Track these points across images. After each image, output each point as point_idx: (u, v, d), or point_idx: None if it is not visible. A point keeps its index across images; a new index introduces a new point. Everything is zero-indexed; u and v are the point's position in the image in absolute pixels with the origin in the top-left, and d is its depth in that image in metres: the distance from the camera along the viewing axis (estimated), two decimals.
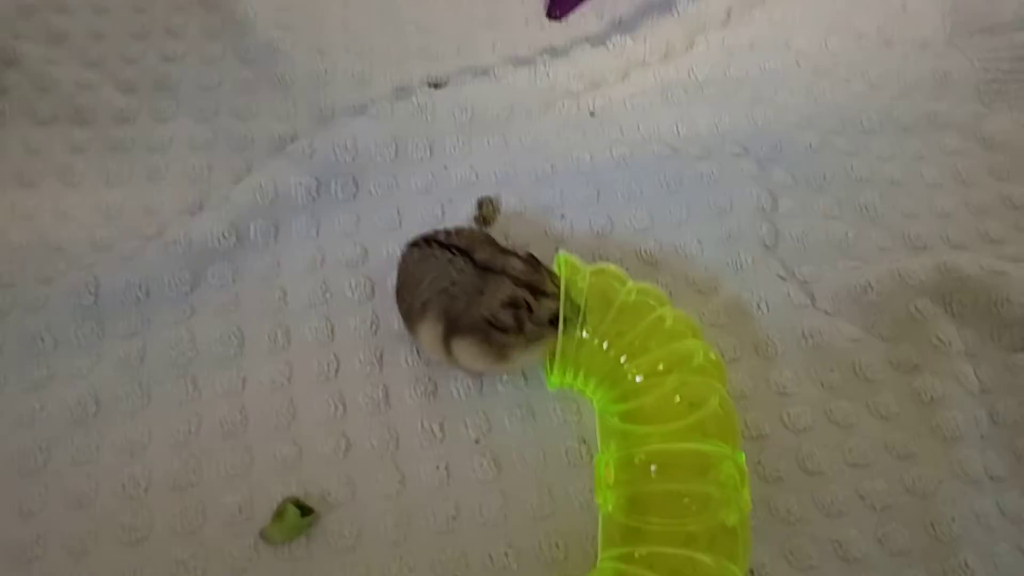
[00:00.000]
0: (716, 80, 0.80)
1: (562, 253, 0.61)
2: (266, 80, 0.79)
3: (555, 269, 0.60)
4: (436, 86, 0.78)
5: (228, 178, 0.74)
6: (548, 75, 0.77)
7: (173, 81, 0.78)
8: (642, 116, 0.78)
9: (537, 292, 0.58)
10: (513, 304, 0.57)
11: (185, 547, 0.58)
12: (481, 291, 0.58)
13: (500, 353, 0.59)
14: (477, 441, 0.62)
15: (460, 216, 0.72)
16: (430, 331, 0.60)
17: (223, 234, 0.68)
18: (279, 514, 0.58)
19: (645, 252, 0.71)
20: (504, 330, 0.58)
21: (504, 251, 0.61)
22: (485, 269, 0.59)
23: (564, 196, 0.74)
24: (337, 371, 0.65)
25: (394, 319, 0.66)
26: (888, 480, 0.62)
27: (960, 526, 0.59)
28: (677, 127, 0.77)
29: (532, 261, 0.60)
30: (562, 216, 0.73)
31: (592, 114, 0.77)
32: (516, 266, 0.59)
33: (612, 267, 0.62)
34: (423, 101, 0.75)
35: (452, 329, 0.59)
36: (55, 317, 0.65)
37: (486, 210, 0.72)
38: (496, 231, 0.72)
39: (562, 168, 0.74)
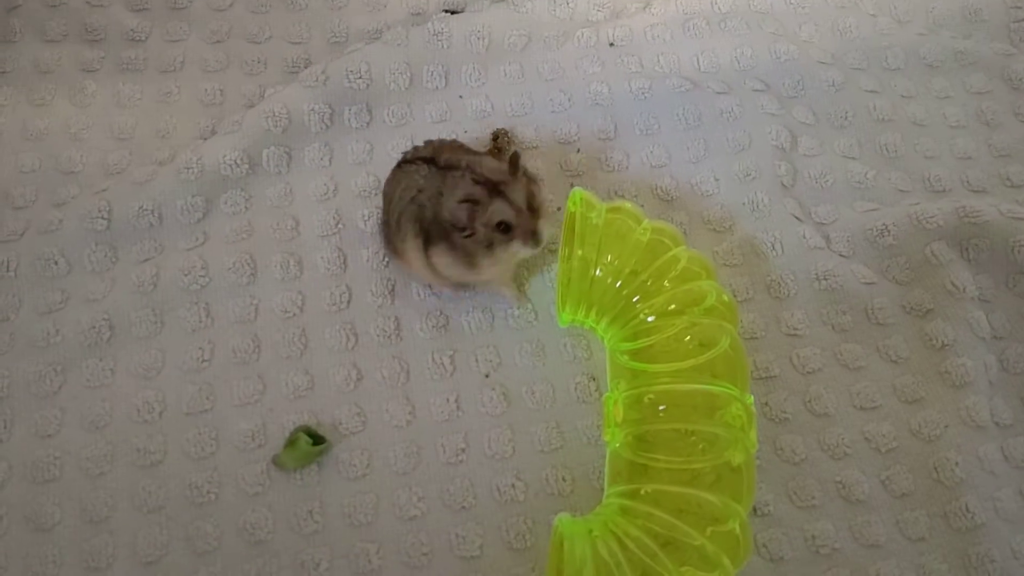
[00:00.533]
0: (739, 12, 0.78)
1: (577, 189, 0.61)
2: (279, 1, 0.77)
3: (569, 205, 0.60)
4: (452, 12, 0.76)
5: (241, 103, 0.73)
6: (568, 3, 0.76)
7: (185, 1, 0.77)
8: (662, 48, 0.76)
9: (495, 192, 0.56)
10: (469, 200, 0.56)
11: (199, 471, 0.59)
12: (442, 192, 0.58)
13: (468, 260, 0.58)
14: (487, 375, 0.63)
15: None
16: (412, 248, 0.60)
17: (236, 161, 0.67)
18: (291, 442, 0.59)
19: (661, 189, 0.70)
20: (461, 229, 0.57)
21: (474, 153, 0.61)
22: (447, 169, 0.59)
23: (580, 129, 0.72)
24: (349, 302, 0.65)
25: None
26: (894, 423, 0.62)
27: (963, 470, 0.60)
28: (698, 60, 0.76)
29: (511, 162, 0.58)
30: (578, 150, 0.72)
31: (611, 44, 0.76)
32: (483, 165, 0.58)
33: (628, 205, 0.61)
34: (439, 27, 0.73)
35: (427, 239, 0.59)
36: (69, 241, 0.65)
37: (501, 142, 0.71)
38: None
39: (579, 100, 0.73)
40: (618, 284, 0.58)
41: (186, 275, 0.64)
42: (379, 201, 0.68)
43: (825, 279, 0.66)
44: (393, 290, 0.65)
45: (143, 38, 0.75)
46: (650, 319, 0.57)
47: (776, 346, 0.64)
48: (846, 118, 0.74)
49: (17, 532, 0.56)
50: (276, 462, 0.59)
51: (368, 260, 0.66)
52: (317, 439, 0.59)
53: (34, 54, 0.74)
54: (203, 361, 0.62)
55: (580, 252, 0.58)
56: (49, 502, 0.57)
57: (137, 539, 0.57)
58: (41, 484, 0.58)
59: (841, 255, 0.68)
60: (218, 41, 0.76)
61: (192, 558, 0.56)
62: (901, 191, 0.71)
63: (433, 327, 0.64)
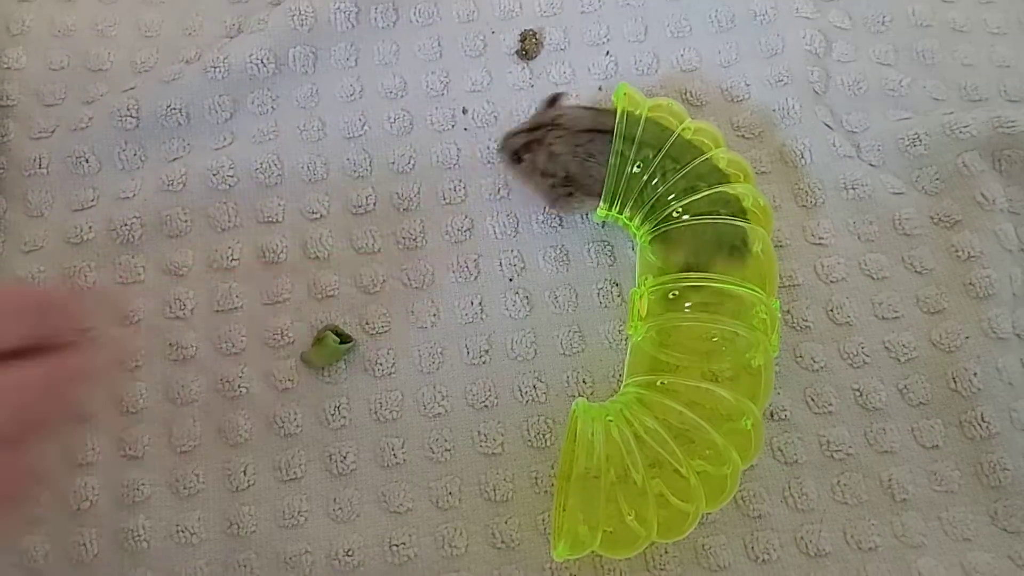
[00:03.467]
0: None
1: (623, 84, 0.60)
2: None
3: (614, 100, 0.59)
4: None
5: (266, 0, 0.72)
6: None
7: None
8: None
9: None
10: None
11: (230, 366, 0.60)
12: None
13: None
14: (511, 280, 0.64)
15: (501, 49, 0.70)
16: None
17: (262, 60, 0.67)
18: (319, 340, 0.60)
19: (691, 93, 0.69)
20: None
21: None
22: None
23: (611, 31, 0.71)
24: (375, 203, 0.65)
25: (432, 154, 0.66)
26: (915, 334, 0.62)
27: (981, 381, 0.60)
28: None
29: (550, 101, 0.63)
30: (607, 52, 0.71)
31: None
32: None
33: (671, 102, 0.61)
34: None
35: None
36: (99, 139, 0.65)
37: (528, 43, 0.70)
38: (537, 65, 0.70)
39: (609, 1, 0.72)
40: (654, 182, 0.58)
41: (214, 175, 0.65)
42: (405, 103, 0.68)
43: (853, 188, 0.66)
44: (419, 193, 0.66)
45: None
46: (684, 218, 0.57)
47: (801, 255, 0.64)
48: (883, 23, 0.72)
49: (57, 422, 0.59)
50: (304, 359, 0.60)
51: (393, 163, 0.66)
52: (344, 338, 0.60)
53: None
54: (232, 260, 0.63)
55: (619, 148, 0.58)
56: (86, 394, 0.59)
57: (171, 430, 0.59)
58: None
59: (871, 164, 0.67)
60: None
61: (224, 448, 0.59)
62: (936, 99, 0.70)
63: (458, 231, 0.65)
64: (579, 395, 0.60)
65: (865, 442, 0.60)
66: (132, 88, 0.67)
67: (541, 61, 0.70)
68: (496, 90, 0.69)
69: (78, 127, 0.65)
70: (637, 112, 0.59)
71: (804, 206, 0.66)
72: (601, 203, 0.60)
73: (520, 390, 0.60)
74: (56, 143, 0.65)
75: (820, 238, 0.65)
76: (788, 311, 0.63)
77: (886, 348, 0.62)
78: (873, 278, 0.64)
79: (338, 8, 0.69)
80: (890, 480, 0.59)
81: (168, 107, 0.66)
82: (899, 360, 0.62)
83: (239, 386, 0.60)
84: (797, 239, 0.65)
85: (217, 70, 0.66)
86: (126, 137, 0.66)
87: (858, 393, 0.61)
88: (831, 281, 0.64)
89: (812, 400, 0.61)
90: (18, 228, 0.64)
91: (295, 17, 0.68)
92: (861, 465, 0.59)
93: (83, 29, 0.70)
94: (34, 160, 0.65)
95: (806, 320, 0.63)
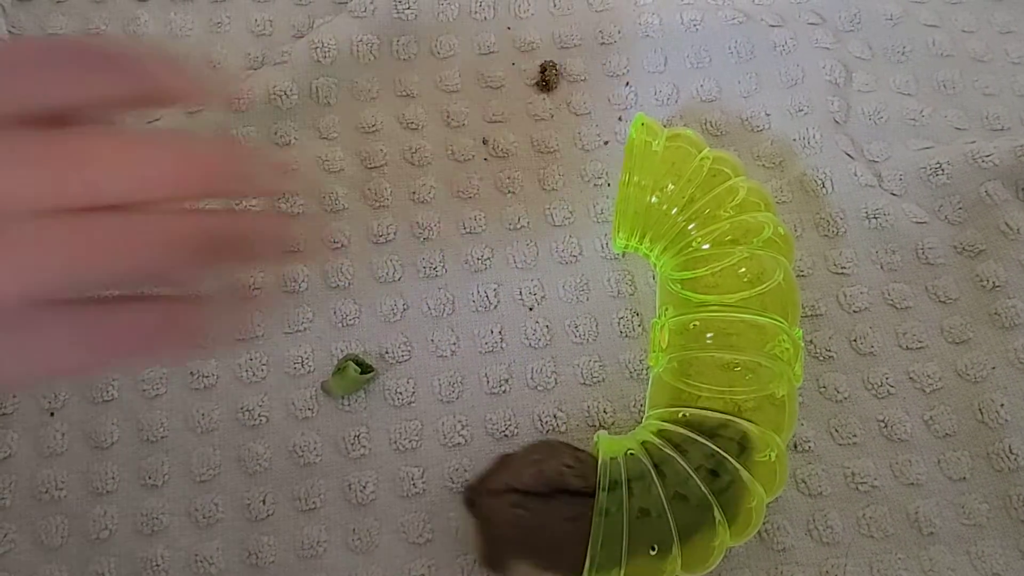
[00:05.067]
0: None
1: (640, 114, 0.60)
2: None
3: (631, 131, 0.59)
4: None
5: (290, 33, 0.73)
6: None
7: None
8: None
9: None
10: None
11: (250, 395, 0.60)
12: None
13: None
14: (531, 308, 0.63)
15: (522, 80, 0.71)
16: None
17: (285, 92, 0.67)
18: (339, 369, 0.60)
19: (711, 123, 0.69)
20: None
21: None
22: None
23: (630, 62, 0.72)
24: (395, 233, 0.65)
25: (452, 185, 0.67)
26: (940, 364, 0.62)
27: (1009, 412, 0.59)
28: None
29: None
30: (627, 83, 0.71)
31: None
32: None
33: (689, 132, 0.61)
34: None
35: None
36: None
37: (549, 75, 0.70)
38: (558, 97, 0.70)
39: (629, 32, 0.72)
40: (674, 211, 0.57)
41: (236, 205, 0.65)
42: (427, 134, 0.68)
43: (875, 217, 0.65)
44: (439, 223, 0.66)
45: None
46: (705, 247, 0.57)
47: (823, 284, 0.64)
48: (903, 53, 0.72)
49: (77, 449, 0.59)
50: (325, 388, 0.60)
51: (413, 193, 0.67)
52: (365, 367, 0.60)
53: None
54: (254, 289, 0.63)
55: (637, 178, 0.57)
56: (108, 421, 0.59)
57: (191, 458, 0.59)
58: (100, 404, 0.60)
59: (893, 193, 0.66)
60: None
61: (243, 478, 0.58)
62: (957, 129, 0.69)
63: (478, 260, 0.65)
64: (600, 425, 0.60)
65: (891, 474, 0.59)
66: (157, 120, 0.67)
67: (561, 92, 0.71)
68: (516, 121, 0.70)
69: None
70: (655, 142, 0.58)
71: (826, 235, 0.65)
72: (620, 234, 0.60)
73: (540, 420, 0.60)
74: None
75: (842, 267, 0.64)
76: (811, 341, 0.62)
77: (911, 379, 0.61)
78: (897, 308, 0.63)
79: (360, 40, 0.69)
80: (917, 513, 0.58)
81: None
82: (924, 391, 0.61)
83: (259, 415, 0.60)
84: (819, 268, 0.64)
85: (240, 102, 0.67)
86: None
87: (883, 424, 0.60)
88: (854, 311, 0.63)
89: (836, 431, 0.60)
90: None
91: (318, 49, 0.68)
92: (887, 498, 0.58)
93: None
94: None
95: (829, 350, 0.62)
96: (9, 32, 0.70)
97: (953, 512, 0.58)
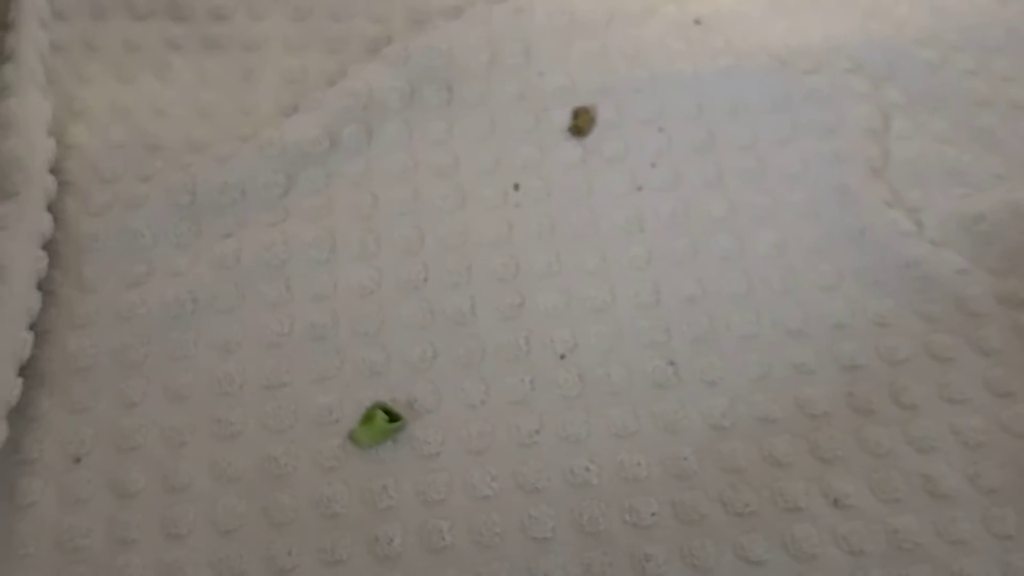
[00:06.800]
0: None
1: None
2: None
3: None
4: None
5: (322, 80, 0.73)
6: None
7: None
8: (749, 25, 0.74)
9: None
10: None
11: (276, 444, 0.60)
12: None
13: None
14: (563, 356, 0.62)
15: (554, 126, 0.70)
16: None
17: (317, 138, 0.68)
18: (367, 418, 0.59)
19: (746, 171, 0.69)
20: None
21: None
22: None
23: (664, 108, 0.71)
24: (426, 280, 0.65)
25: (484, 230, 0.66)
26: (984, 417, 0.60)
27: None
28: (786, 38, 0.73)
29: None
30: (660, 129, 0.70)
31: (697, 22, 0.74)
32: None
33: None
34: (521, 4, 0.72)
35: None
36: (155, 215, 0.66)
37: (581, 120, 0.70)
38: (590, 142, 0.70)
39: (663, 78, 0.72)
40: None
41: (267, 251, 0.65)
42: (459, 179, 0.68)
43: (916, 266, 0.64)
44: (470, 268, 0.65)
45: (228, 15, 0.76)
46: None
47: (863, 335, 0.63)
48: (942, 100, 0.71)
49: (102, 497, 0.58)
50: (352, 438, 0.59)
51: (445, 238, 0.66)
52: (393, 416, 0.59)
53: (123, 31, 0.75)
54: (283, 335, 0.63)
55: None
56: (133, 469, 0.59)
57: (216, 508, 0.58)
58: (125, 452, 0.59)
59: (933, 242, 0.65)
60: (301, 19, 0.76)
61: (268, 529, 0.57)
62: (998, 177, 0.68)
63: (508, 306, 0.64)
64: (633, 478, 0.58)
65: (934, 531, 0.57)
66: (189, 165, 0.68)
67: (594, 138, 0.70)
68: (548, 166, 0.69)
69: (134, 203, 0.66)
70: None
71: (864, 285, 0.64)
72: None
73: (572, 472, 0.59)
74: (112, 219, 0.66)
75: (882, 317, 0.63)
76: (850, 393, 0.61)
77: (954, 432, 0.60)
78: (938, 359, 0.62)
79: (392, 87, 0.70)
80: (961, 572, 0.55)
81: (224, 183, 0.66)
82: (968, 445, 0.59)
83: (285, 464, 0.59)
84: (859, 318, 0.63)
85: (273, 147, 0.67)
86: (181, 213, 0.66)
87: (926, 479, 0.58)
88: (895, 362, 0.62)
89: (878, 487, 0.58)
90: (70, 303, 0.64)
91: (351, 96, 0.69)
92: (931, 556, 0.56)
93: (142, 108, 0.72)
94: (90, 236, 0.65)
95: (870, 403, 0.60)
96: None
97: (999, 571, 0.56)
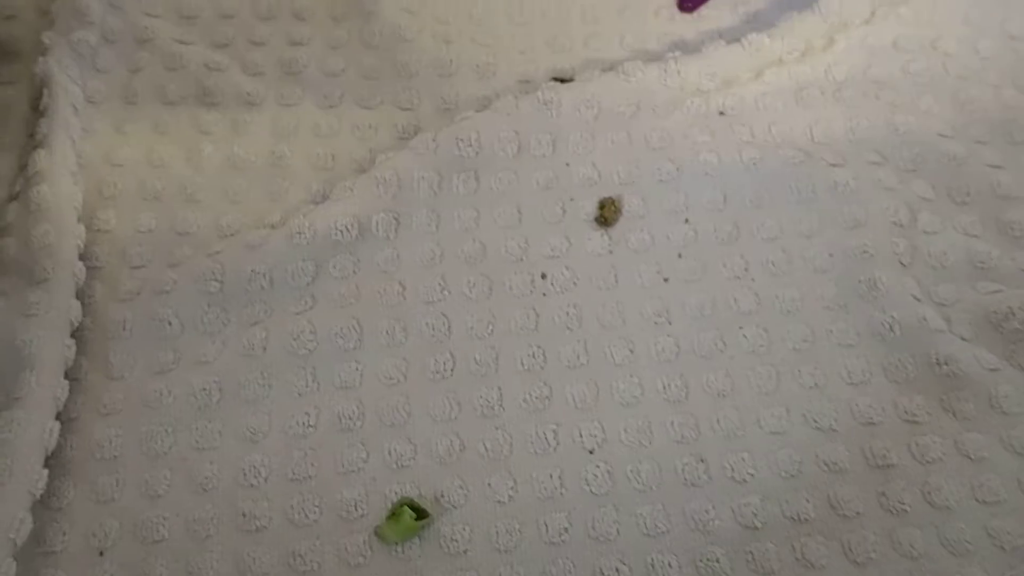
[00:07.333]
0: (855, 81, 0.76)
1: None
2: (390, 68, 0.78)
3: None
4: (562, 80, 0.76)
5: (351, 167, 0.74)
6: (678, 72, 0.74)
7: (299, 66, 0.78)
8: (774, 117, 0.74)
9: None
10: None
11: (302, 539, 0.59)
12: None
13: None
14: (591, 452, 0.62)
15: (580, 216, 0.71)
16: None
17: (347, 227, 0.68)
18: (394, 514, 0.59)
19: (772, 263, 0.68)
20: None
21: None
22: None
23: (689, 199, 0.71)
24: (452, 370, 0.64)
25: (511, 319, 0.66)
26: (1020, 519, 0.59)
27: None
28: (811, 131, 0.74)
29: None
30: (686, 220, 0.71)
31: (722, 113, 0.74)
32: None
33: None
34: (548, 96, 0.73)
35: None
36: (182, 302, 0.66)
37: (607, 211, 0.70)
38: (616, 232, 0.70)
39: (688, 169, 0.72)
40: None
41: (294, 339, 0.65)
42: (485, 268, 0.68)
43: (946, 363, 0.63)
44: (497, 359, 0.65)
45: (258, 102, 0.77)
46: None
47: (894, 433, 0.62)
48: (968, 194, 0.71)
49: None
50: (378, 534, 0.59)
51: (472, 328, 0.66)
52: (420, 513, 0.58)
53: (153, 116, 0.76)
54: (308, 426, 0.62)
55: None
56: (157, 563, 0.58)
57: None
58: (149, 544, 0.59)
59: (963, 338, 0.65)
60: (331, 106, 0.77)
61: None
62: None
63: (536, 398, 0.63)
64: None
65: None
66: (218, 252, 0.68)
67: (620, 228, 0.70)
68: (575, 256, 0.69)
69: (163, 290, 0.66)
70: None
71: (895, 381, 0.64)
72: None
73: (602, 572, 0.58)
74: (140, 305, 0.66)
75: (913, 415, 0.62)
76: (883, 493, 0.60)
77: (989, 535, 0.59)
78: (972, 459, 0.61)
79: (422, 176, 0.70)
80: None
81: (253, 271, 0.66)
82: (1004, 548, 0.58)
83: (311, 560, 0.58)
84: (889, 415, 0.63)
85: (302, 235, 0.67)
86: (209, 300, 0.66)
87: None
88: (927, 462, 0.61)
89: None
90: (97, 390, 0.64)
91: (380, 184, 0.69)
92: None
93: (172, 193, 0.72)
94: (118, 322, 0.65)
95: (903, 503, 0.59)
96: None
97: None
